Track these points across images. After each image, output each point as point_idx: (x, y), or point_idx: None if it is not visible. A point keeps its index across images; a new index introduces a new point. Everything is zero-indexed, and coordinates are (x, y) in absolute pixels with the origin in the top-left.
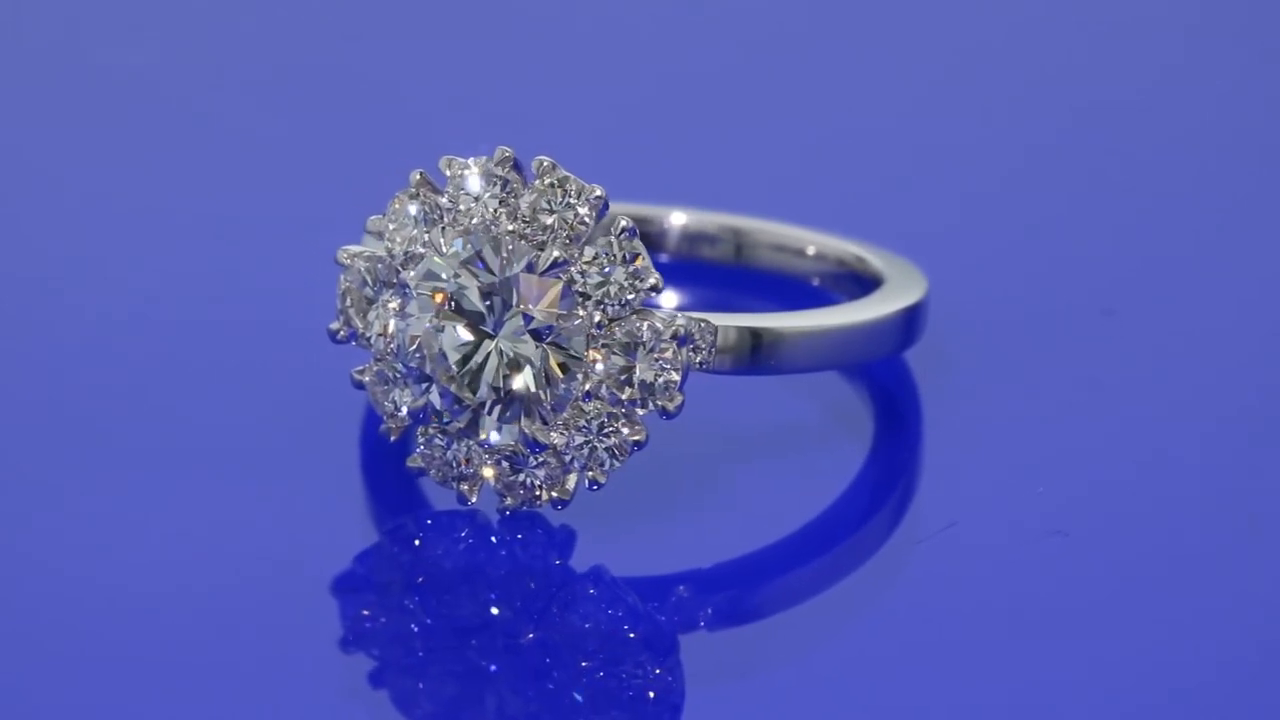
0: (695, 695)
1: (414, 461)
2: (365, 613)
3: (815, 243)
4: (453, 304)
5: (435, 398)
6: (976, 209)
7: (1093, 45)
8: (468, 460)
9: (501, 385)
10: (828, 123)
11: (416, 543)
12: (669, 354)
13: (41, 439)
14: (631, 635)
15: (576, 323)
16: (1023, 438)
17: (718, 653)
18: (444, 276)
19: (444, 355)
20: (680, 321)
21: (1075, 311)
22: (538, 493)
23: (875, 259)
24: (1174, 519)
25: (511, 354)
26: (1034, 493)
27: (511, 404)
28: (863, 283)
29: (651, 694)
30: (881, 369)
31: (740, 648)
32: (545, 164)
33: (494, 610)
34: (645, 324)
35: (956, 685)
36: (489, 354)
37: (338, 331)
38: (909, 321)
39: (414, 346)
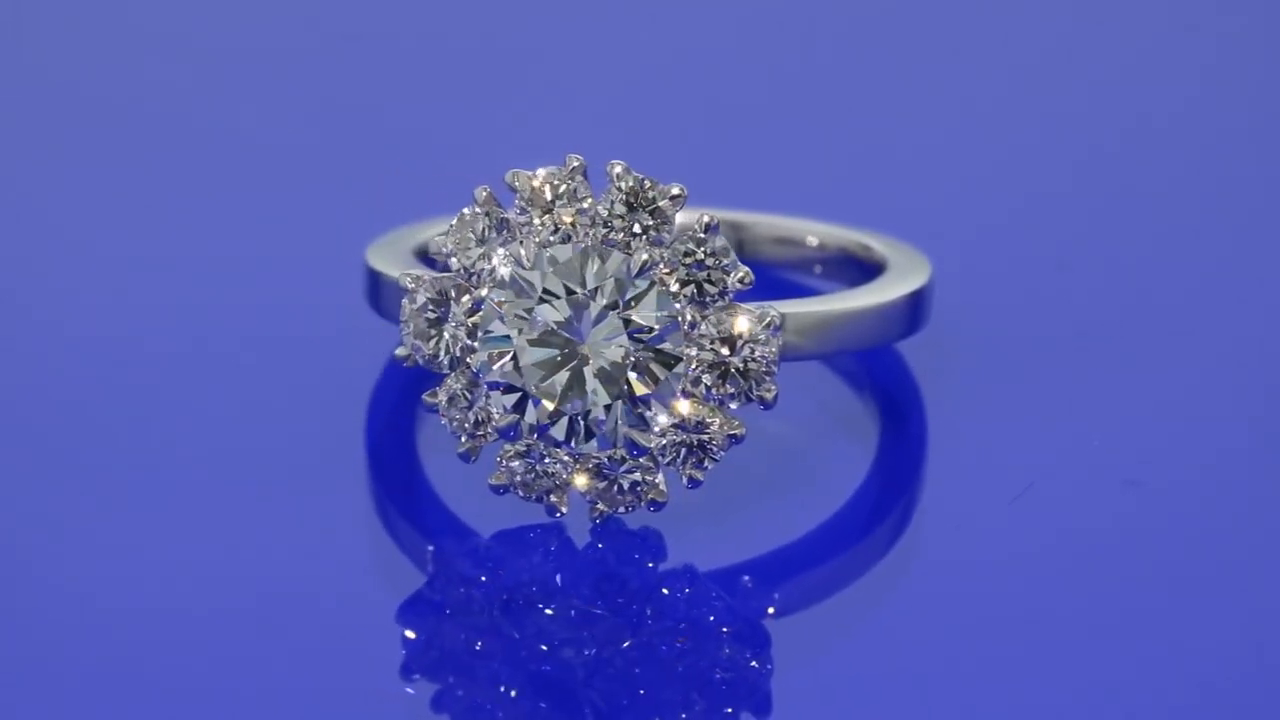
0: None
1: (497, 479)
2: (436, 636)
3: (817, 233)
4: (537, 316)
5: (528, 411)
6: (979, 200)
7: (1099, 39)
8: (558, 471)
9: (594, 396)
10: (825, 118)
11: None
12: (762, 345)
13: (52, 458)
14: (725, 630)
15: (670, 322)
16: (1027, 431)
17: None
18: (531, 290)
19: (534, 368)
20: (773, 313)
21: (1079, 301)
22: (632, 496)
23: (879, 245)
24: (1178, 519)
25: (605, 362)
26: (1030, 482)
27: (617, 409)
28: (867, 270)
29: (745, 685)
30: (882, 366)
31: None
32: (619, 168)
33: (587, 618)
34: (736, 317)
35: (963, 688)
36: (579, 363)
37: (406, 357)
38: (914, 306)
39: (499, 363)
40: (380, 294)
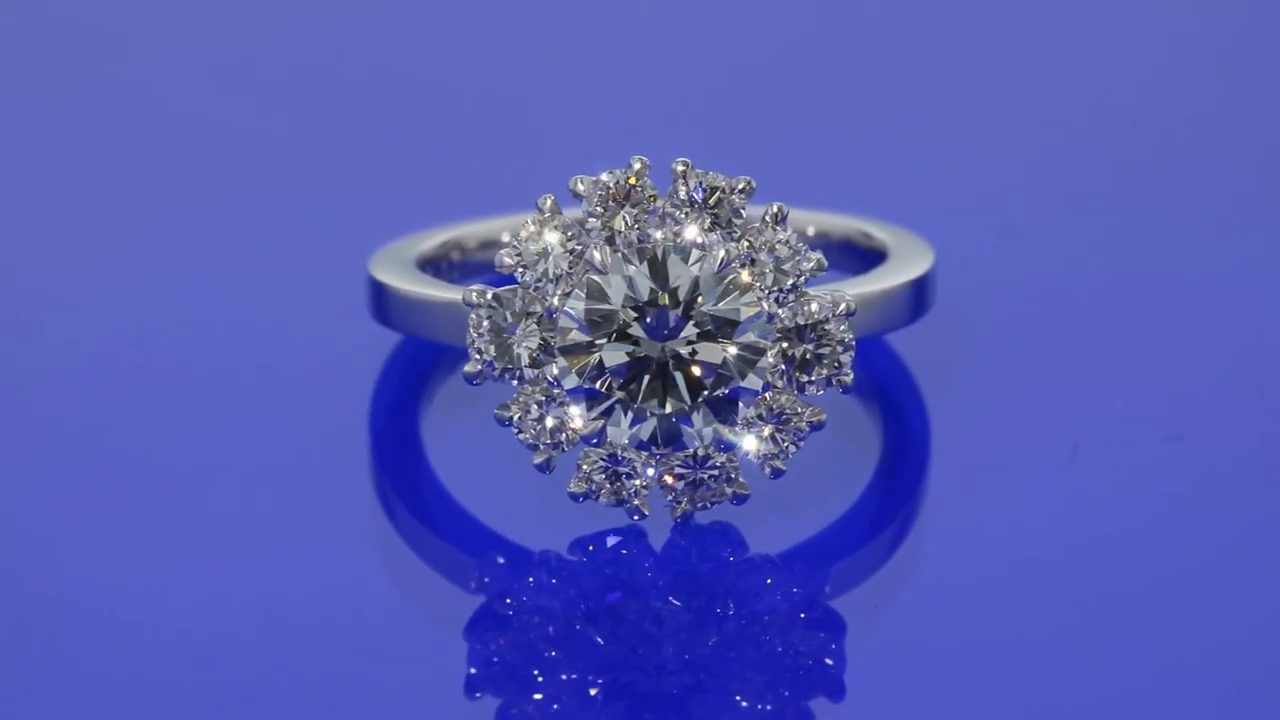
0: None
1: (577, 486)
2: (511, 650)
3: (816, 222)
4: (617, 319)
5: (612, 415)
6: (981, 186)
7: (1104, 31)
8: (640, 473)
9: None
10: (823, 106)
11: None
12: (837, 331)
13: (53, 460)
14: (802, 616)
15: (753, 314)
16: (1031, 423)
17: None
18: (609, 294)
19: (616, 372)
20: (846, 298)
21: (1082, 290)
22: (715, 492)
23: (880, 232)
24: (1186, 516)
25: (689, 360)
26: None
27: (702, 407)
28: (868, 258)
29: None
30: (883, 366)
31: None
32: (683, 165)
33: (676, 615)
34: (812, 306)
35: (968, 690)
36: (662, 363)
37: (477, 373)
38: (917, 293)
39: (579, 369)
40: (385, 305)
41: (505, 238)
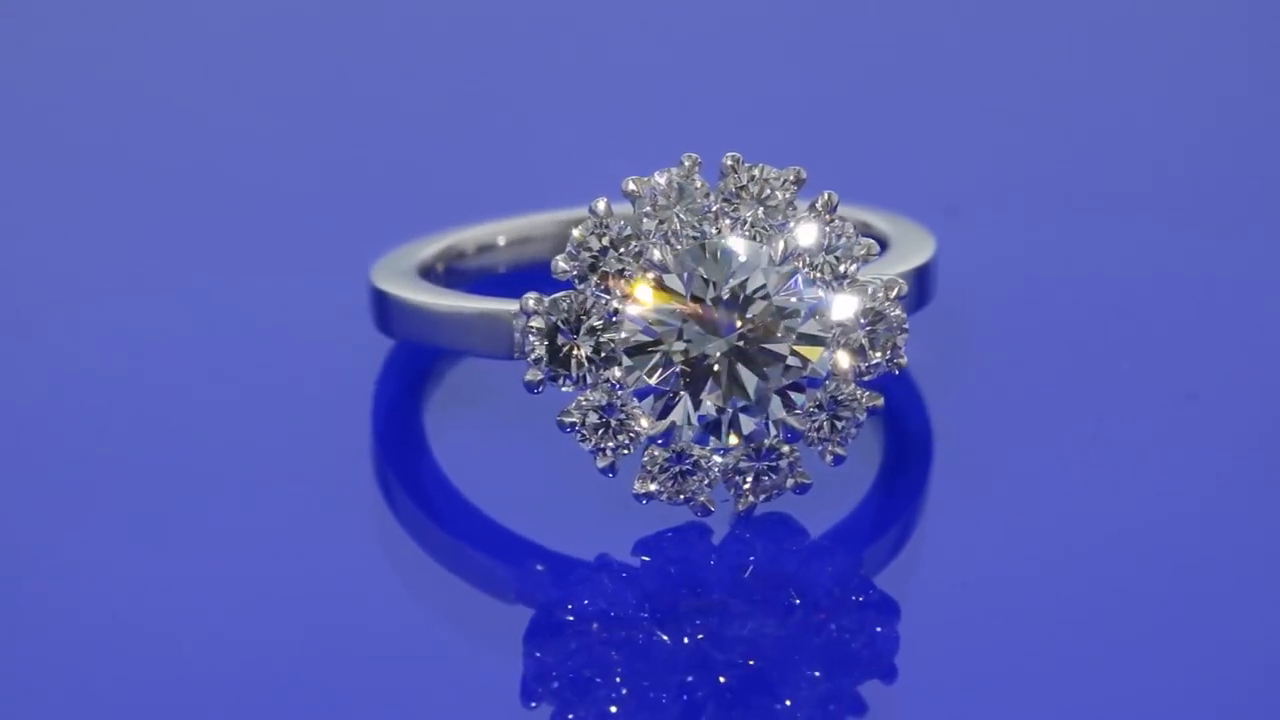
0: None
1: (642, 487)
2: (576, 653)
3: None
4: (682, 317)
5: (678, 413)
6: (982, 176)
7: (1105, 24)
8: (706, 468)
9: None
10: (815, 101)
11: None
12: (891, 314)
13: (54, 463)
14: (859, 599)
15: (811, 304)
16: (1034, 414)
17: None
18: (674, 292)
19: (683, 370)
20: (900, 280)
21: (1085, 280)
22: (777, 483)
23: (880, 222)
24: (1192, 514)
25: (753, 353)
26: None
27: (765, 399)
28: None
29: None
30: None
31: None
32: (734, 160)
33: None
34: (868, 291)
35: (968, 695)
36: (727, 357)
37: (538, 382)
38: (920, 282)
39: (646, 369)
40: (388, 314)
41: (501, 241)
